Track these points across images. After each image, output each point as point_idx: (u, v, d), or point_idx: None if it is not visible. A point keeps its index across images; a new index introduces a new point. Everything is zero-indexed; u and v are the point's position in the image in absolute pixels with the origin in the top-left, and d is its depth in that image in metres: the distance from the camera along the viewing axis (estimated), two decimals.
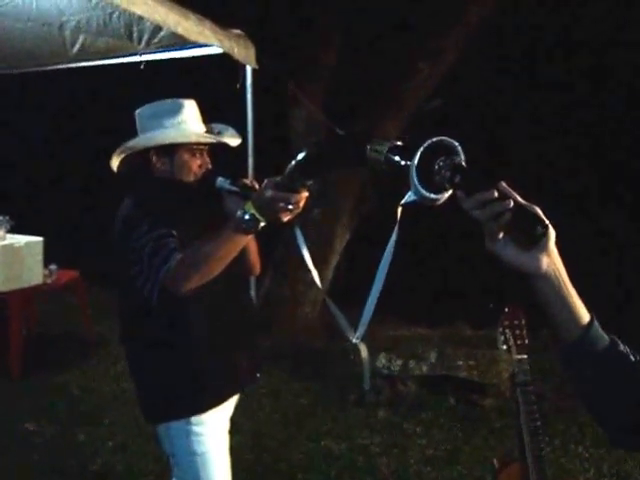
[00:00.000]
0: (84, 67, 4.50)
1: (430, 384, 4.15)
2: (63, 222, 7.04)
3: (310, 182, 1.53)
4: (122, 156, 2.00)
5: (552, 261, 0.92)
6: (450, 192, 0.94)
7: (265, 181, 1.61)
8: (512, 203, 0.87)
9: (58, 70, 4.61)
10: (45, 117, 8.20)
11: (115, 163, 2.01)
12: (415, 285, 5.80)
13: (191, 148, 1.99)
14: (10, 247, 4.27)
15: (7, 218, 4.38)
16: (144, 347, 2.00)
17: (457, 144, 0.95)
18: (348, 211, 5.29)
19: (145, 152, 1.99)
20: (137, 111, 2.05)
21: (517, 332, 2.16)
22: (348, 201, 5.26)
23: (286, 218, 1.58)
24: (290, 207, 1.53)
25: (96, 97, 7.62)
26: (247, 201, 1.63)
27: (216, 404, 1.99)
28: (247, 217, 1.60)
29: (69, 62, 4.47)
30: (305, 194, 1.55)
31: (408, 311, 5.30)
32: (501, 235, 0.91)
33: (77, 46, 4.08)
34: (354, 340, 1.68)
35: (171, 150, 1.97)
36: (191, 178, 2.00)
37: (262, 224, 1.62)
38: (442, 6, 5.04)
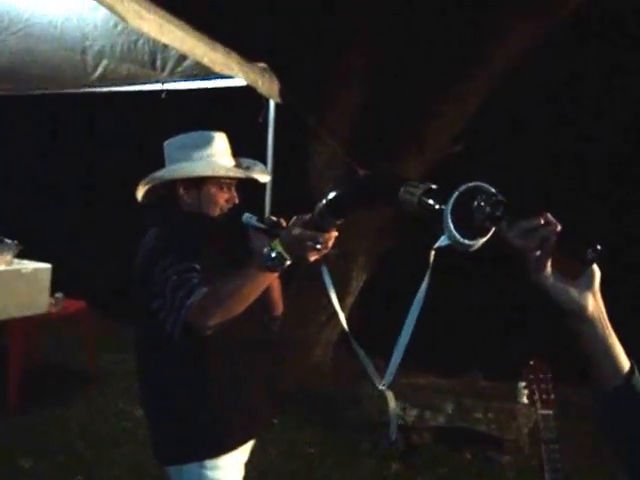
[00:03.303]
0: (104, 92, 4.46)
1: (446, 436, 3.99)
2: (72, 250, 6.93)
3: (339, 222, 1.50)
4: (148, 186, 1.91)
5: (597, 303, 0.88)
6: (485, 238, 0.92)
7: (293, 219, 1.58)
8: (559, 227, 0.83)
9: (77, 94, 4.57)
10: (60, 143, 8.17)
11: (141, 193, 1.94)
12: (430, 332, 5.64)
13: (219, 182, 1.93)
14: (16, 272, 4.13)
15: (16, 242, 4.25)
16: (160, 384, 1.91)
17: (495, 190, 0.92)
18: (365, 251, 5.16)
19: (172, 184, 1.92)
20: (166, 142, 1.99)
21: (542, 386, 2.09)
22: (365, 241, 5.13)
23: (313, 258, 1.54)
24: (318, 246, 1.50)
25: (111, 124, 7.57)
26: (273, 239, 1.59)
27: (232, 448, 1.90)
28: (273, 255, 1.55)
29: (90, 87, 4.44)
30: (334, 234, 1.53)
31: (422, 358, 5.13)
32: (549, 267, 0.86)
33: (99, 71, 4.05)
34: (380, 387, 1.57)
35: (199, 183, 1.91)
36: (217, 212, 1.94)
37: (288, 263, 1.57)
38: (468, 49, 4.98)
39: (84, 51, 3.84)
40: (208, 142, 1.93)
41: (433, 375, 5.02)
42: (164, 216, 1.95)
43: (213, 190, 1.91)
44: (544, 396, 2.06)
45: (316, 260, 1.57)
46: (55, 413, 4.15)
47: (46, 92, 4.81)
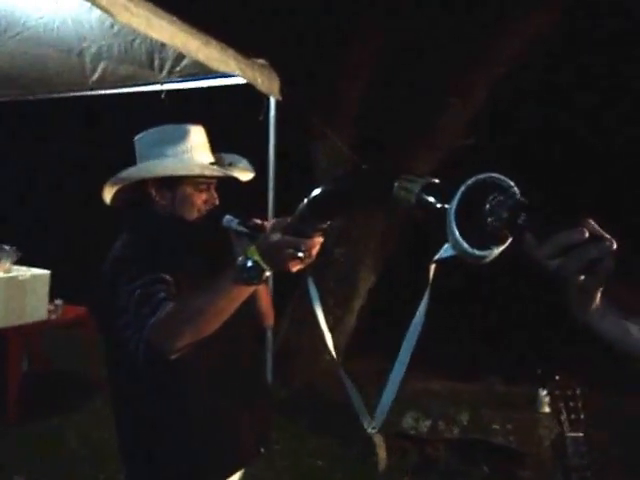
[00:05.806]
0: (101, 94, 4.37)
1: (461, 449, 3.77)
2: (71, 255, 6.84)
3: (325, 225, 1.28)
4: (116, 188, 1.72)
5: None
6: (502, 247, 0.70)
7: (272, 221, 1.38)
8: (615, 245, 0.59)
9: (73, 97, 4.48)
10: (56, 146, 8.09)
11: (108, 196, 1.73)
12: (444, 334, 5.45)
13: (195, 181, 1.71)
14: (14, 280, 4.04)
15: (14, 249, 4.16)
16: (127, 413, 1.72)
17: (512, 183, 0.71)
18: (372, 251, 4.98)
19: (143, 184, 1.72)
20: (136, 137, 1.79)
21: (570, 404, 1.82)
22: (372, 240, 4.96)
23: (295, 268, 1.32)
24: (300, 255, 1.28)
25: (111, 126, 7.45)
26: (251, 245, 1.37)
27: None
28: (249, 264, 1.33)
29: (88, 90, 4.36)
30: (319, 240, 1.30)
31: (435, 361, 4.95)
32: (599, 298, 0.63)
33: (97, 73, 3.98)
34: (369, 430, 1.34)
35: (172, 183, 1.70)
36: (194, 215, 1.73)
37: (267, 274, 1.35)
38: (475, 39, 4.82)
39: (81, 53, 3.77)
40: (182, 136, 1.73)
41: (448, 379, 4.83)
42: (134, 220, 1.77)
43: (189, 190, 1.71)
44: (572, 416, 1.80)
45: (301, 270, 1.36)
46: (55, 423, 4.02)
47: (46, 97, 4.74)
